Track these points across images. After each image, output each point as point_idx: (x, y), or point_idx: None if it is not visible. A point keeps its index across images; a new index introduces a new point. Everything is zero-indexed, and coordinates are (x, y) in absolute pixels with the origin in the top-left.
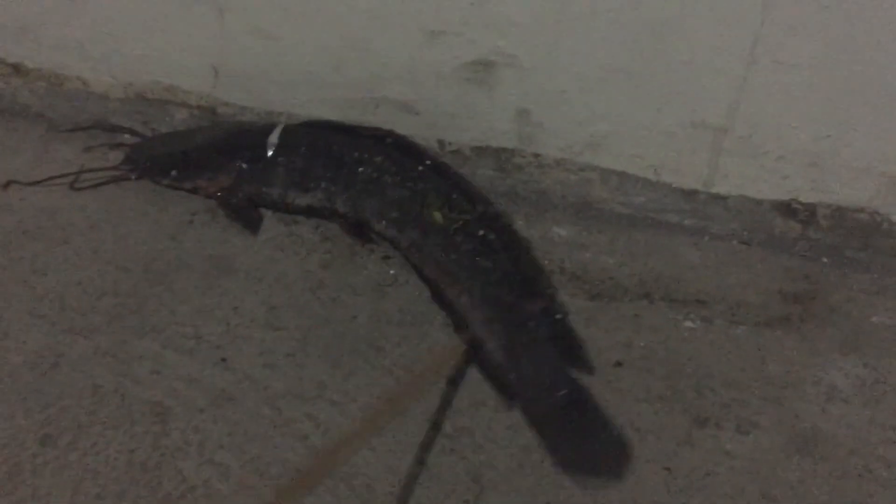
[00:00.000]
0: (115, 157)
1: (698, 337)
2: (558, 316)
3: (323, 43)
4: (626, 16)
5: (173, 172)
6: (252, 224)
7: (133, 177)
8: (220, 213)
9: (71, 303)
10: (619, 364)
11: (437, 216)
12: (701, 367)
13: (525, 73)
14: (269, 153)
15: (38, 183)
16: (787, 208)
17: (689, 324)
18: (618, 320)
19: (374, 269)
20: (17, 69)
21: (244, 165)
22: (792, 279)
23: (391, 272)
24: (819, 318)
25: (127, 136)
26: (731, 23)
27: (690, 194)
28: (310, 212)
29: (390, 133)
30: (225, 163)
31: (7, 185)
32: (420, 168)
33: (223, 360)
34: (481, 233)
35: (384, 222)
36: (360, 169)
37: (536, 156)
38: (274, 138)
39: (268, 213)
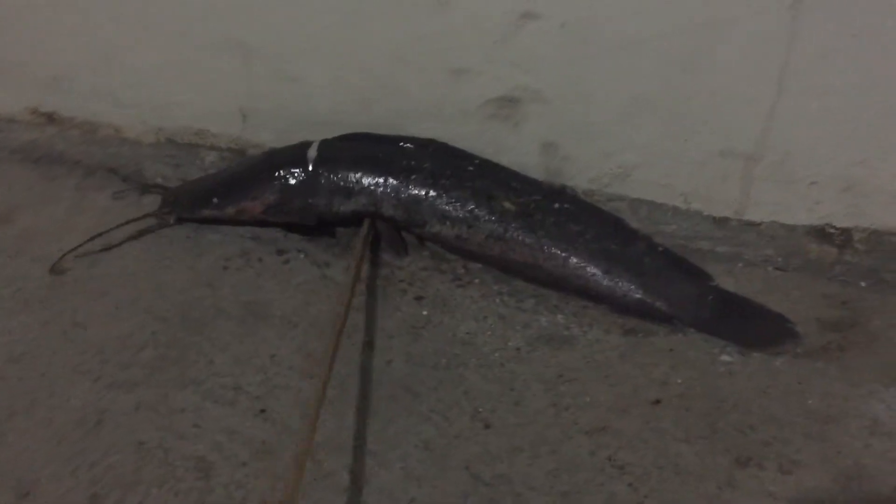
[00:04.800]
0: (149, 201)
1: (736, 371)
2: (661, 248)
3: (348, 83)
4: (652, 48)
5: (214, 200)
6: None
7: (172, 220)
8: (254, 258)
9: (112, 356)
10: (657, 402)
11: (508, 205)
12: (740, 403)
13: (551, 107)
14: (310, 166)
15: (80, 246)
16: (822, 233)
17: (726, 357)
18: (653, 355)
19: (407, 311)
20: (51, 118)
21: (288, 180)
22: (830, 305)
23: (424, 313)
24: (859, 347)
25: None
26: (758, 52)
27: (722, 221)
28: (355, 218)
29: (431, 141)
30: (267, 181)
31: (60, 260)
32: (470, 168)
33: (262, 410)
34: (556, 206)
35: (448, 222)
36: (413, 176)
37: (564, 188)
38: (313, 152)
39: (299, 256)
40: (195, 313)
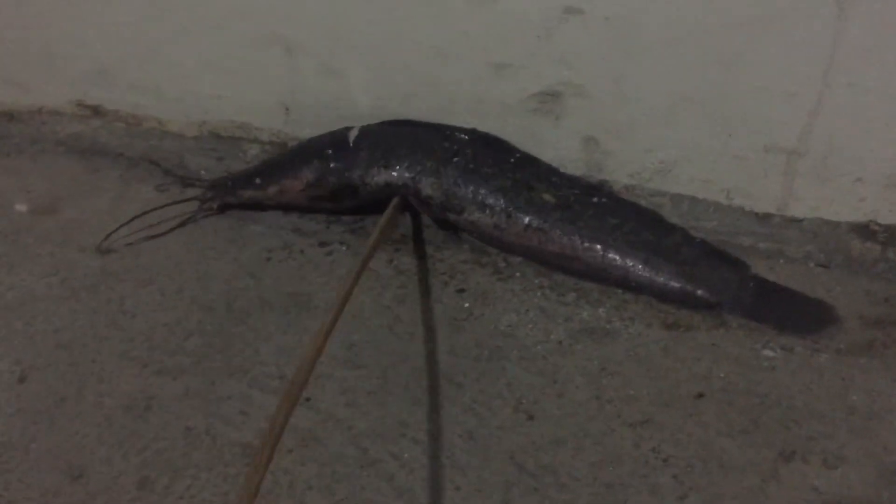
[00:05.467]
0: (192, 193)
1: (779, 366)
2: (697, 239)
3: (390, 78)
4: (694, 44)
5: (257, 180)
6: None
7: (216, 204)
8: (296, 250)
9: (160, 344)
10: (700, 396)
11: (548, 197)
12: (783, 398)
13: (592, 102)
14: (351, 143)
15: (127, 223)
16: (866, 230)
17: (768, 352)
18: (696, 350)
19: (448, 303)
20: (96, 111)
21: (327, 158)
22: (872, 303)
23: (466, 305)
24: None
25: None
26: (802, 47)
27: (764, 217)
28: (388, 191)
29: (473, 130)
30: (307, 160)
31: (106, 239)
32: (511, 160)
33: (307, 399)
34: (594, 200)
35: (487, 210)
36: (455, 159)
37: (605, 182)
38: (354, 132)
39: (341, 248)
40: (239, 303)
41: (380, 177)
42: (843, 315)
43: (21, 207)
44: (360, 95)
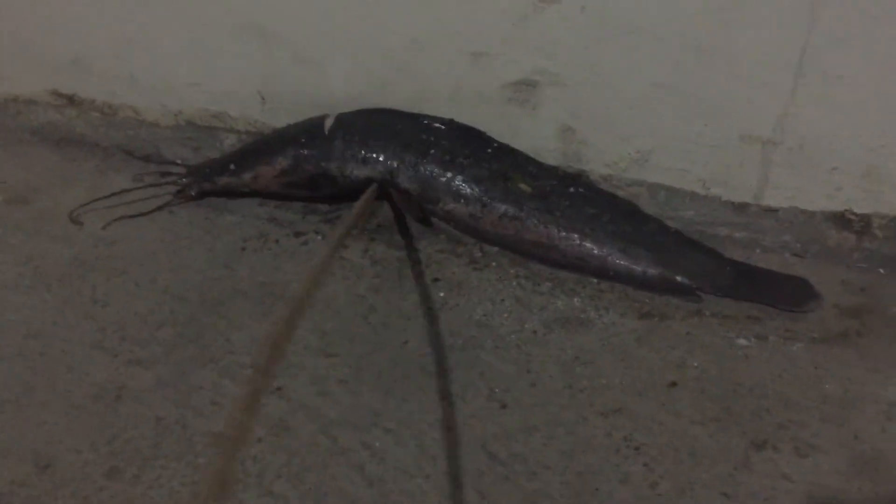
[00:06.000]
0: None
1: (753, 355)
2: (672, 229)
3: (367, 67)
4: (670, 32)
5: (232, 166)
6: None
7: (193, 191)
8: (271, 239)
9: (131, 334)
10: (673, 385)
11: (524, 187)
12: (756, 386)
13: (569, 91)
14: (326, 132)
15: (103, 199)
16: (841, 219)
17: (742, 341)
18: (670, 339)
19: (423, 293)
20: (71, 100)
21: (302, 146)
22: (848, 292)
23: (441, 294)
24: (877, 333)
25: (175, 167)
26: (777, 36)
27: (741, 207)
28: (367, 183)
29: (451, 121)
30: (282, 148)
31: (80, 208)
32: (488, 150)
33: (279, 388)
34: (571, 190)
35: (462, 200)
36: (432, 151)
37: (582, 172)
38: (330, 120)
39: (316, 238)
40: (213, 293)
41: (358, 170)
42: (820, 290)
43: None
44: (337, 84)
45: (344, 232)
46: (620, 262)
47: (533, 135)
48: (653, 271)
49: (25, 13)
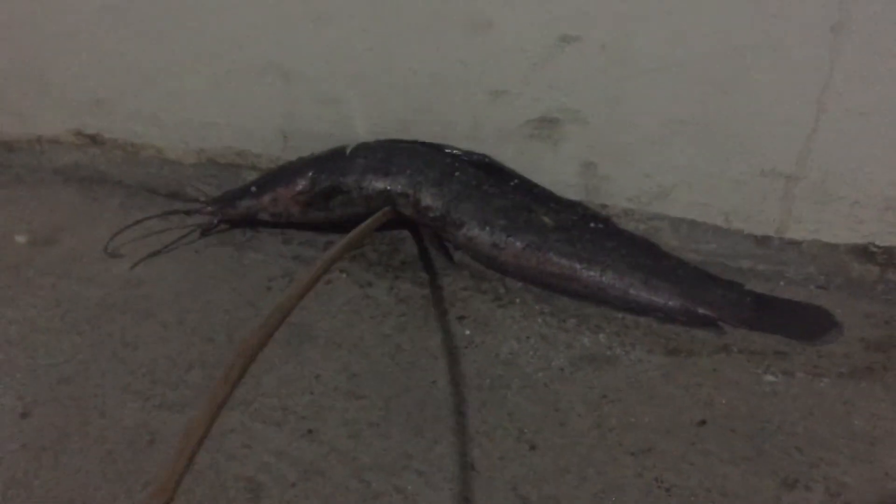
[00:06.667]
0: (193, 221)
1: (780, 391)
2: (691, 265)
3: (387, 105)
4: (691, 69)
5: (252, 188)
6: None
7: (216, 220)
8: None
9: (161, 376)
10: (702, 423)
11: (547, 220)
12: (785, 424)
13: (590, 127)
14: (347, 152)
15: (132, 226)
16: (865, 252)
17: (769, 378)
18: (697, 376)
19: (449, 331)
20: (94, 140)
21: (321, 169)
22: (873, 325)
23: (467, 332)
24: None
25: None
26: (798, 73)
27: (763, 240)
28: (385, 198)
29: (472, 153)
30: (302, 170)
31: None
32: (512, 183)
33: (310, 431)
34: (592, 225)
35: (488, 228)
36: (457, 174)
37: (604, 206)
38: (352, 145)
39: (341, 276)
40: (240, 333)
41: (377, 183)
42: (842, 320)
43: (21, 239)
44: (358, 122)
45: (346, 245)
46: (642, 293)
47: (554, 170)
48: (674, 303)
49: (48, 53)
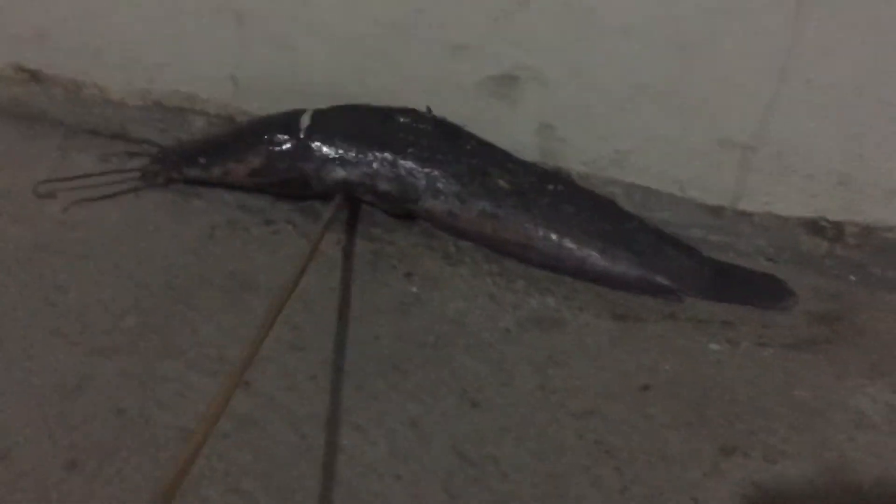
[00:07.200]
0: (134, 164)
1: (725, 360)
2: (652, 226)
3: (344, 54)
4: (654, 33)
5: (202, 160)
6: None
7: (160, 179)
8: (241, 227)
9: (94, 322)
10: (646, 388)
11: (503, 183)
12: (727, 392)
13: (549, 88)
14: (302, 135)
15: (67, 180)
16: (815, 226)
17: (715, 346)
18: (644, 342)
19: (396, 287)
20: (35, 76)
21: (276, 144)
22: (819, 299)
23: (413, 290)
24: (847, 341)
25: (145, 146)
26: (761, 42)
27: (716, 210)
28: (344, 187)
29: (430, 116)
30: (255, 144)
31: (38, 186)
32: (468, 147)
33: (246, 383)
34: (550, 187)
35: (442, 197)
36: (410, 150)
37: (560, 170)
38: (306, 119)
39: (287, 227)
40: (180, 281)
41: (336, 174)
42: (795, 287)
43: None
44: (313, 70)
45: (314, 245)
46: (600, 262)
47: (512, 130)
48: (633, 272)
49: None
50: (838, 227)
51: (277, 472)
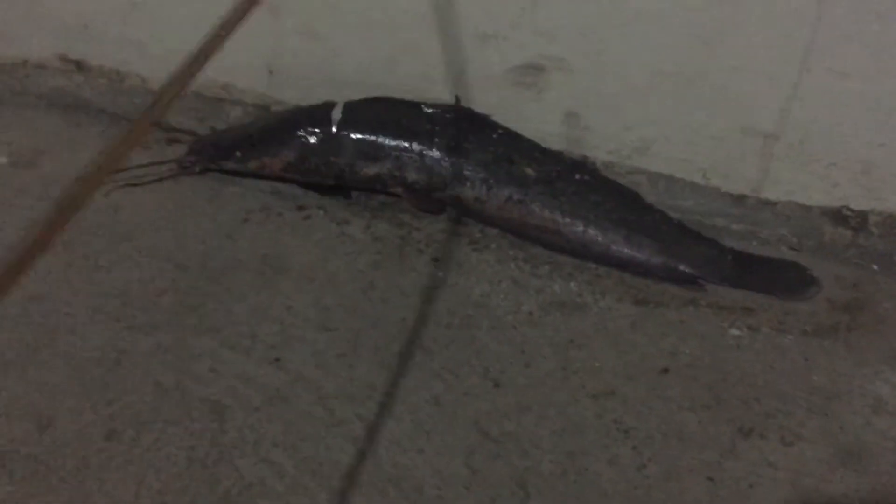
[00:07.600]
0: (173, 152)
1: (744, 345)
2: (674, 220)
3: (374, 44)
4: (677, 21)
5: (237, 153)
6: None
7: (197, 168)
8: (274, 212)
9: (133, 300)
10: (665, 371)
11: (529, 171)
12: (746, 375)
13: (574, 77)
14: (334, 128)
15: (138, 167)
16: (838, 215)
17: (735, 331)
18: (664, 326)
19: (423, 271)
20: (79, 66)
21: (309, 139)
22: (841, 287)
23: (440, 274)
24: (867, 329)
25: (184, 135)
26: (784, 30)
27: (739, 199)
28: (377, 181)
29: (457, 106)
30: (289, 138)
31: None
32: (494, 136)
33: (277, 359)
34: (577, 177)
35: (468, 184)
36: (437, 139)
37: (585, 158)
38: (337, 113)
39: (319, 213)
40: (215, 263)
41: (368, 169)
42: (819, 276)
43: (1, 159)
44: (345, 60)
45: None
46: (624, 249)
47: (538, 119)
48: (656, 260)
49: None
50: (862, 216)
51: (305, 445)
